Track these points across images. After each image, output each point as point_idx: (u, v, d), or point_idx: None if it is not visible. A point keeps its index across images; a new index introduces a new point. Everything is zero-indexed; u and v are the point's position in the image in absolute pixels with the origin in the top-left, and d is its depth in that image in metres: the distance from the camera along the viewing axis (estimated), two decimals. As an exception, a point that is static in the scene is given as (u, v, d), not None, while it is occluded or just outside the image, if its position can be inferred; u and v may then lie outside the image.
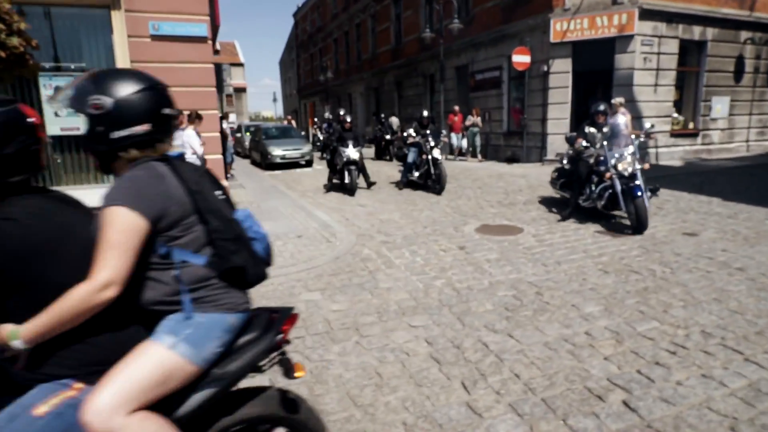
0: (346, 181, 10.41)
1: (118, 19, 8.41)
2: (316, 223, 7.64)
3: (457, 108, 16.35)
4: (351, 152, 10.36)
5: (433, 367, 3.24)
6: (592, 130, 7.26)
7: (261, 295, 4.61)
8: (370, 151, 21.32)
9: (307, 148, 17.44)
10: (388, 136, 17.96)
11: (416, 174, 10.63)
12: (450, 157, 16.30)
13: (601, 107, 7.30)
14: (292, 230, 7.20)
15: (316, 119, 29.98)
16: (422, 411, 2.76)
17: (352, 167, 10.41)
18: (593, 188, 7.00)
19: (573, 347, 3.45)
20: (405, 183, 10.95)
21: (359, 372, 3.20)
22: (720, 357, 3.25)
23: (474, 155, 16.33)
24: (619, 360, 3.25)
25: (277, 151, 16.85)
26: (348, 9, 30.06)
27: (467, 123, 16.12)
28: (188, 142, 8.17)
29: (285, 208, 9.01)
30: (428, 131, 10.46)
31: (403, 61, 22.93)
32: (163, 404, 1.52)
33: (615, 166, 6.60)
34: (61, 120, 8.67)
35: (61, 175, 8.94)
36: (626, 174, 6.48)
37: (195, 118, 8.33)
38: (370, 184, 11.08)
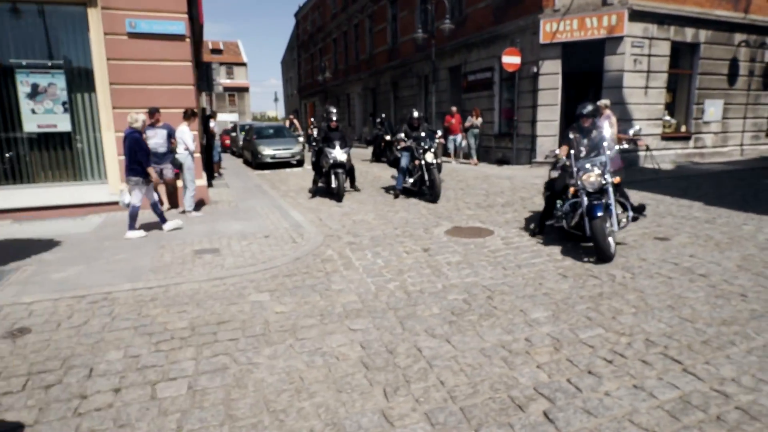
0: (333, 185, 9.63)
1: (94, 16, 8.37)
2: (288, 223, 7.56)
3: (454, 108, 15.61)
4: (338, 154, 9.53)
5: (359, 372, 3.15)
6: (577, 135, 6.02)
7: (209, 296, 4.53)
8: (367, 153, 21.28)
9: (297, 148, 17.37)
10: (388, 137, 17.51)
11: (410, 180, 9.78)
12: (446, 159, 15.75)
13: (587, 109, 5.83)
14: (261, 230, 7.12)
15: (313, 119, 29.93)
16: (334, 418, 2.67)
17: (340, 170, 9.58)
18: (562, 204, 5.95)
19: (508, 354, 3.34)
20: (401, 191, 9.94)
21: (282, 376, 3.11)
22: (657, 367, 3.14)
23: (468, 157, 15.88)
24: (551, 368, 3.14)
25: (268, 151, 16.80)
26: (347, 9, 30.00)
27: (467, 124, 15.41)
28: (181, 138, 8.11)
29: (262, 208, 8.94)
30: (422, 133, 9.65)
31: (398, 62, 22.85)
32: None
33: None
34: (38, 117, 8.65)
35: (39, 172, 8.92)
36: (591, 189, 5.42)
37: (190, 115, 8.26)
38: (355, 188, 10.61)
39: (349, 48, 30.87)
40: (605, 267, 5.15)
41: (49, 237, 6.89)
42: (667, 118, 14.52)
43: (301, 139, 18.88)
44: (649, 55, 13.21)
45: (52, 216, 8.34)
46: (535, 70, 13.76)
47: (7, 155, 8.65)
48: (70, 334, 3.80)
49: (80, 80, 8.74)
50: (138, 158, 6.66)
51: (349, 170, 10.08)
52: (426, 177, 9.32)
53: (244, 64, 64.38)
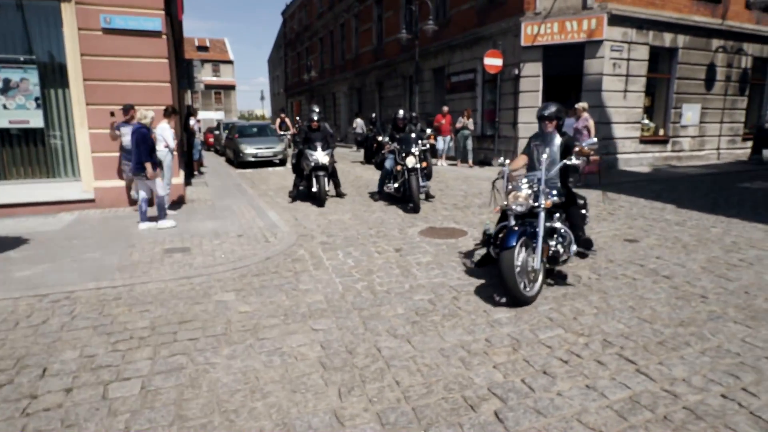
0: (314, 189, 9.03)
1: (68, 11, 8.24)
2: (263, 222, 7.52)
3: (445, 109, 15.08)
4: (319, 156, 8.99)
5: (316, 372, 3.14)
6: (537, 143, 4.82)
7: (174, 296, 4.49)
8: (357, 155, 21.25)
9: (280, 147, 17.30)
10: (380, 137, 16.43)
11: (393, 186, 9.01)
12: (434, 162, 14.46)
13: (548, 111, 4.73)
14: (235, 229, 7.07)
15: (298, 118, 29.81)
16: (285, 418, 2.66)
17: (321, 173, 9.01)
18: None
19: (467, 354, 3.36)
20: (380, 194, 9.50)
21: (238, 376, 3.09)
22: (611, 367, 3.18)
23: (464, 160, 15.03)
24: (507, 368, 3.17)
25: (250, 149, 16.70)
26: (333, 8, 29.94)
27: (457, 125, 14.73)
28: (162, 135, 8.02)
29: (238, 207, 8.88)
30: (412, 134, 8.83)
31: (384, 62, 22.86)
32: None
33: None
34: (9, 113, 8.50)
35: (11, 168, 8.77)
36: (519, 210, 4.33)
37: (171, 113, 8.17)
38: (340, 194, 9.90)
39: (335, 47, 30.83)
40: (573, 268, 5.20)
41: (17, 234, 6.77)
42: (646, 121, 14.72)
43: (290, 137, 18.76)
44: (628, 59, 13.38)
45: (23, 213, 8.19)
46: (516, 72, 13.86)
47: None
48: (27, 333, 3.74)
49: (53, 76, 8.61)
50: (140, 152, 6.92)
51: (331, 173, 9.54)
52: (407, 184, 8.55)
53: (230, 62, 63.91)
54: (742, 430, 2.55)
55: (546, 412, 2.70)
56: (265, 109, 64.53)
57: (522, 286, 4.13)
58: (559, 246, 4.52)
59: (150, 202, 7.66)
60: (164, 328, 3.81)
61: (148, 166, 6.91)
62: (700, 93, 15.21)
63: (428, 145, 9.04)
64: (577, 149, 4.53)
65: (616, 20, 12.95)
